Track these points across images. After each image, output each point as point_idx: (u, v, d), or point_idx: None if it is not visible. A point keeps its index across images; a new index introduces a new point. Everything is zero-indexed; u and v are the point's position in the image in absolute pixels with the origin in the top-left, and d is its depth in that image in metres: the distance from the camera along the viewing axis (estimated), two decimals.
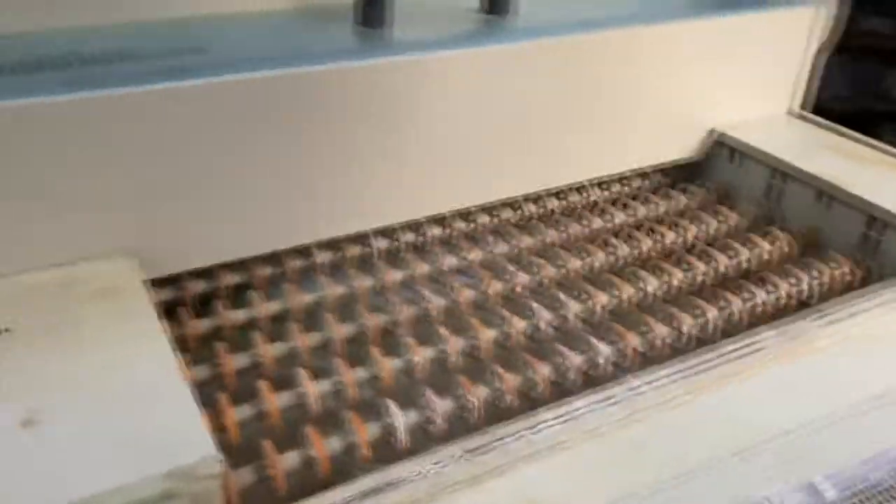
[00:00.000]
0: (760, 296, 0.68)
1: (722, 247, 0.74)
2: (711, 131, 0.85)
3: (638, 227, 0.79)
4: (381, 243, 0.73)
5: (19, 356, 0.47)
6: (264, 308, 0.63)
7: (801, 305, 0.70)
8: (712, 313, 0.66)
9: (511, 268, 0.70)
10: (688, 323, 0.64)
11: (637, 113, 0.79)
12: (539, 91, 0.71)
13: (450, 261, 0.71)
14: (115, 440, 0.42)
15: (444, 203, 0.72)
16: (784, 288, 0.69)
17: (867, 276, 0.72)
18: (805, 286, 0.70)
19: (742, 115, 0.86)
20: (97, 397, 0.45)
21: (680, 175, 0.89)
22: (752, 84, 0.85)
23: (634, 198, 0.84)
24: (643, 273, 0.70)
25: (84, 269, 0.56)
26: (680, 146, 0.84)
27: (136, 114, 0.55)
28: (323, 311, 0.64)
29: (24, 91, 0.52)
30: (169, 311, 0.62)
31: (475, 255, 0.73)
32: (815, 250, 0.76)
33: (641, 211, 0.81)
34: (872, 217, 0.71)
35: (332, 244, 0.71)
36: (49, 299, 0.53)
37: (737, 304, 0.67)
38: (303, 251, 0.69)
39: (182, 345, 0.60)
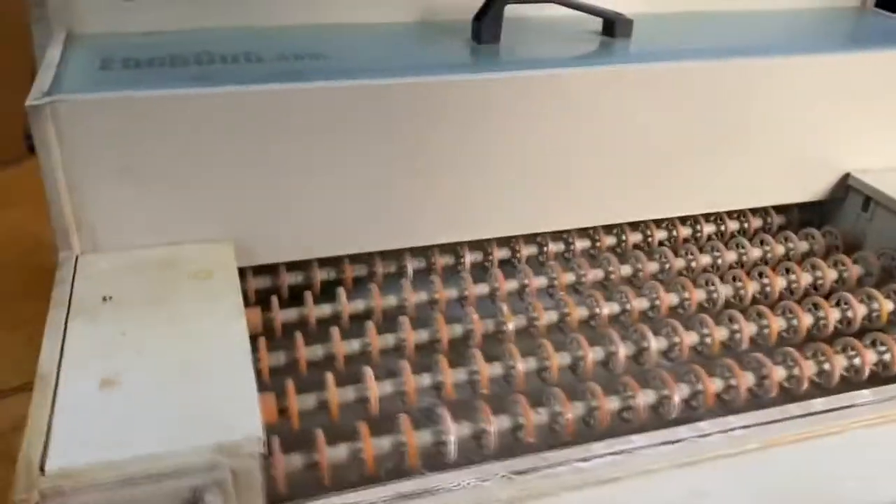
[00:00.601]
0: (869, 356, 0.63)
1: (835, 299, 0.69)
2: (845, 175, 0.79)
3: (743, 266, 0.75)
4: (472, 256, 0.74)
5: (114, 322, 0.52)
6: (349, 306, 0.65)
7: None
8: (808, 368, 0.61)
9: (598, 295, 0.68)
10: (779, 375, 0.61)
11: (763, 147, 0.75)
12: (653, 117, 0.69)
13: (539, 281, 0.71)
14: (179, 409, 0.46)
15: (536, 223, 0.72)
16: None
17: None
18: None
19: (881, 161, 0.79)
20: (172, 367, 0.49)
21: (806, 218, 0.84)
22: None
23: (749, 236, 0.80)
24: (738, 316, 0.66)
25: (186, 251, 0.60)
26: (808, 187, 0.79)
27: (250, 111, 0.59)
28: (404, 314, 0.66)
29: (158, 83, 0.58)
30: (263, 299, 0.66)
31: (566, 278, 0.72)
32: None
33: (755, 252, 0.77)
34: None
35: (424, 251, 0.73)
36: (151, 275, 0.58)
37: (839, 362, 0.62)
38: (395, 255, 0.72)
39: (268, 331, 0.64)
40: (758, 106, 0.72)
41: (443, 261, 0.73)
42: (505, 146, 0.66)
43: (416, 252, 0.73)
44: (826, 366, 0.62)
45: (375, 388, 0.55)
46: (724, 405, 0.60)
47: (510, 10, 0.74)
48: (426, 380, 0.58)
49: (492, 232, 0.71)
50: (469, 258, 0.73)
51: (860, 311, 0.68)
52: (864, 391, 0.58)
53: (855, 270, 0.73)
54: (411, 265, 0.72)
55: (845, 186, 0.79)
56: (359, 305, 0.66)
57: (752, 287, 0.71)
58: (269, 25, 0.69)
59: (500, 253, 0.75)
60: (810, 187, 0.79)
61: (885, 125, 0.78)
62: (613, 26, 0.73)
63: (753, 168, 0.75)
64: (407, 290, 0.67)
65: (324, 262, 0.70)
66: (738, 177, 0.75)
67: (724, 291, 0.70)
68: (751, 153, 0.74)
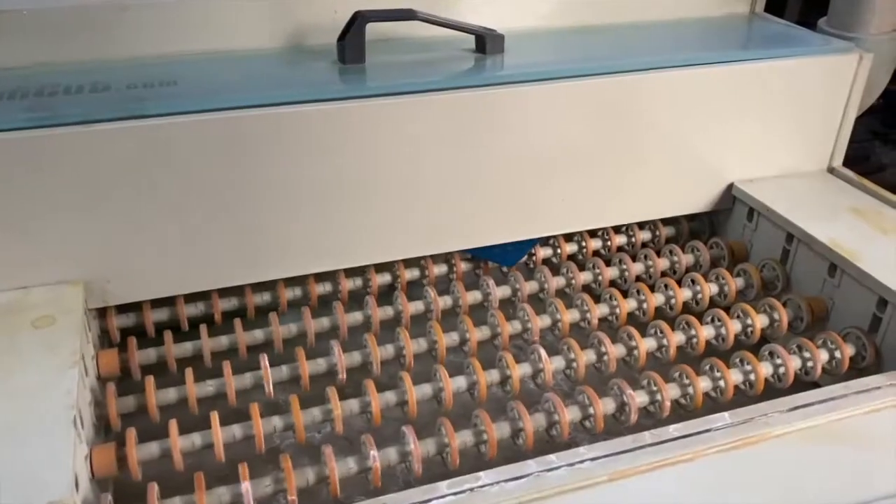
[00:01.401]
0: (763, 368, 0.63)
1: (710, 316, 0.68)
2: (730, 186, 0.79)
3: (626, 282, 0.75)
4: (343, 284, 0.72)
5: None
6: (211, 343, 0.64)
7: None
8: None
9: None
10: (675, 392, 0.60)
11: (649, 160, 0.74)
12: (527, 137, 0.68)
13: (416, 306, 0.70)
14: None
15: (420, 246, 0.71)
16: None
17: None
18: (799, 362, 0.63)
19: (767, 170, 0.79)
20: None
21: (698, 228, 0.83)
22: (785, 136, 0.78)
23: (636, 251, 0.80)
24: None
25: (33, 296, 0.59)
26: (695, 199, 0.79)
27: (84, 151, 0.57)
28: (267, 349, 0.64)
29: None
30: (128, 336, 0.65)
31: (444, 302, 0.71)
32: (822, 324, 0.69)
33: (636, 267, 0.76)
34: (882, 300, 0.64)
35: (298, 280, 0.71)
36: None
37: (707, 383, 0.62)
38: (270, 286, 0.71)
39: (125, 372, 0.63)
40: (640, 120, 0.71)
41: (319, 289, 0.71)
42: (369, 172, 0.65)
43: (296, 281, 0.71)
44: (721, 381, 0.61)
45: (220, 434, 0.54)
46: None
47: (385, 30, 0.73)
48: (278, 422, 0.57)
49: (369, 258, 0.70)
50: (347, 285, 0.72)
51: (733, 327, 0.67)
52: (724, 414, 0.57)
53: (734, 284, 0.73)
54: (285, 295, 0.71)
55: (732, 197, 0.79)
56: (222, 342, 0.64)
57: (628, 306, 0.70)
58: (129, 56, 0.67)
59: (381, 278, 0.74)
60: (698, 199, 0.79)
61: (769, 134, 0.77)
62: (485, 43, 0.71)
63: (639, 182, 0.75)
64: (275, 324, 0.66)
65: (194, 297, 0.69)
66: (624, 192, 0.75)
67: (598, 311, 0.70)
68: (636, 167, 0.74)
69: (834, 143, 0.80)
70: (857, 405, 0.58)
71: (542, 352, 0.63)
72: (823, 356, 0.64)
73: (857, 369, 0.65)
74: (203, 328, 0.64)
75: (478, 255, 0.76)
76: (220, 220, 0.62)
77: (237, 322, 0.65)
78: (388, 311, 0.69)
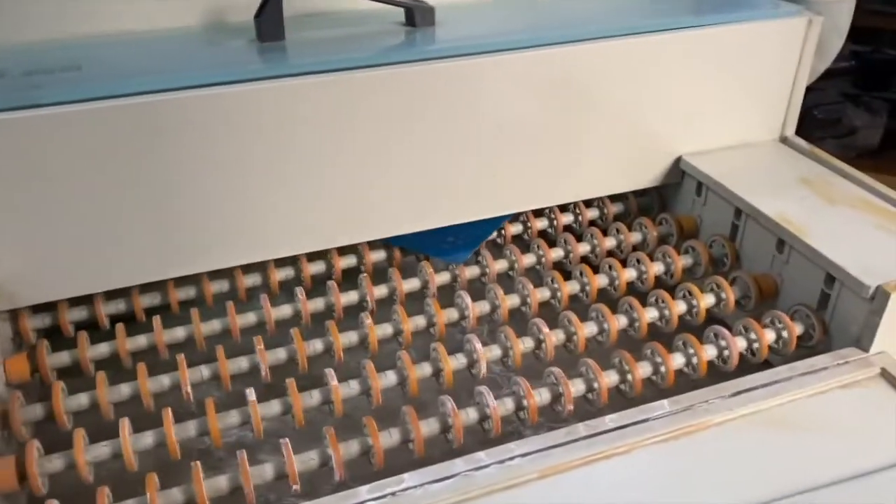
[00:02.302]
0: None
1: (654, 297, 0.66)
2: (678, 159, 0.76)
3: (571, 262, 0.72)
4: (273, 276, 0.69)
5: None
6: (129, 343, 0.61)
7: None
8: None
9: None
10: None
11: (592, 137, 0.71)
12: (467, 114, 0.65)
13: (350, 297, 0.67)
14: None
15: (353, 233, 0.68)
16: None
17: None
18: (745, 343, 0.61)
19: (715, 142, 0.76)
20: None
21: (647, 203, 0.80)
22: (735, 106, 0.75)
23: (583, 229, 0.77)
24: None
25: None
26: (643, 174, 0.76)
27: None
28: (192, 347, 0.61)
29: None
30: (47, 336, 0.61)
31: (378, 291, 0.68)
32: (772, 302, 0.67)
33: (582, 248, 0.74)
34: (830, 276, 0.61)
35: (225, 273, 0.68)
36: None
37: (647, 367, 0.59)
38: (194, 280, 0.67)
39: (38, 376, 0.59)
40: (582, 93, 0.68)
41: (247, 282, 0.68)
42: (292, 157, 0.61)
43: (223, 274, 0.68)
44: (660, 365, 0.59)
45: (129, 443, 0.51)
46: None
47: (306, 5, 0.69)
48: (191, 429, 0.54)
49: (299, 248, 0.67)
50: (277, 276, 0.69)
51: (676, 308, 0.65)
52: (663, 402, 0.55)
53: (680, 262, 0.70)
54: (194, 291, 0.67)
55: (680, 171, 0.76)
56: (140, 342, 0.61)
57: (568, 288, 0.68)
58: (28, 41, 0.63)
59: (313, 267, 0.70)
60: (645, 174, 0.76)
61: (718, 104, 0.74)
62: (414, 15, 0.67)
63: (584, 159, 0.72)
64: (196, 322, 0.62)
65: (116, 294, 0.65)
66: (568, 170, 0.72)
67: (539, 295, 0.67)
68: (580, 143, 0.70)
69: (786, 111, 0.77)
70: (802, 388, 0.56)
71: (475, 342, 0.60)
72: (770, 336, 0.61)
73: (806, 348, 0.63)
74: (120, 328, 0.61)
75: (419, 250, 0.72)
76: (133, 213, 0.59)
77: (156, 320, 0.62)
78: (318, 304, 0.66)
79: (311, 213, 0.64)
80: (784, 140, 0.78)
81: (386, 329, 0.63)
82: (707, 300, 0.65)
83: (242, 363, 0.59)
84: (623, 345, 0.62)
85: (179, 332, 0.62)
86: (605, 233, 0.75)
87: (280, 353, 0.60)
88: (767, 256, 0.67)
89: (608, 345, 0.63)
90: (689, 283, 0.67)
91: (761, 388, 0.56)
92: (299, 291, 0.65)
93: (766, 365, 0.61)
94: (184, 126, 0.57)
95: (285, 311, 0.65)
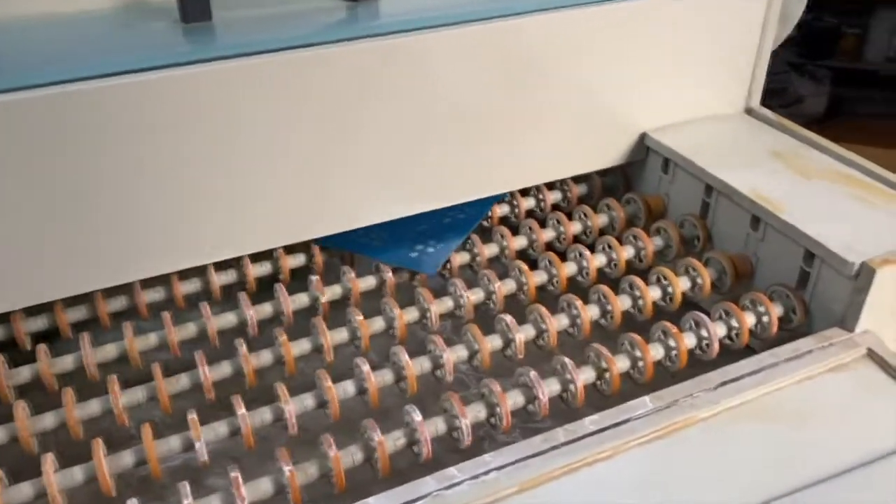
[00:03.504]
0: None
1: (626, 283, 0.62)
2: (642, 135, 0.72)
3: (535, 250, 0.68)
4: (213, 280, 0.63)
5: None
6: (54, 363, 0.54)
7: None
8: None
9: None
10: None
11: (552, 115, 0.66)
12: (420, 95, 0.60)
13: (300, 299, 0.62)
14: None
15: (303, 230, 0.62)
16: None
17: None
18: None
19: (679, 115, 0.72)
20: None
21: (612, 183, 0.76)
22: (698, 77, 0.71)
23: (546, 213, 0.72)
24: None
25: None
26: (607, 153, 0.71)
27: None
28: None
29: None
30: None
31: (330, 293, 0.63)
32: (748, 283, 0.63)
33: (547, 234, 0.69)
34: (810, 253, 0.58)
35: (161, 280, 0.62)
36: None
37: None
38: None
39: None
40: (536, 69, 0.63)
41: (184, 289, 0.62)
42: (224, 148, 0.55)
43: (159, 281, 0.62)
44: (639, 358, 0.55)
45: (54, 481, 0.45)
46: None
47: None
48: (127, 459, 0.48)
49: (239, 249, 0.61)
50: (218, 280, 0.63)
51: (650, 295, 0.61)
52: (644, 398, 0.51)
53: (651, 245, 0.66)
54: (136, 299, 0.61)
55: (645, 147, 0.72)
56: (66, 363, 0.55)
57: (536, 279, 0.63)
58: None
59: (257, 269, 0.65)
60: (609, 153, 0.71)
61: (681, 76, 0.70)
62: None
63: (542, 140, 0.67)
64: (128, 335, 0.56)
65: (36, 310, 0.59)
66: (526, 152, 0.67)
67: (504, 289, 0.62)
68: (538, 123, 0.66)
69: (750, 80, 0.73)
70: (788, 374, 0.53)
71: (439, 343, 0.55)
72: (750, 320, 0.58)
73: (787, 331, 0.59)
74: (41, 349, 0.55)
75: (384, 260, 0.65)
76: (48, 219, 0.52)
77: (83, 337, 0.55)
78: (266, 309, 0.60)
79: (252, 210, 0.58)
80: (750, 111, 0.75)
81: (342, 334, 0.58)
82: (682, 284, 0.62)
83: (183, 381, 0.53)
84: (596, 337, 0.58)
85: (110, 350, 0.56)
86: (569, 217, 0.71)
87: (225, 368, 0.54)
88: (741, 235, 0.64)
89: (580, 337, 0.59)
90: (662, 266, 0.63)
91: (746, 377, 0.52)
92: (243, 297, 0.60)
93: (747, 351, 0.57)
94: (103, 119, 0.51)
95: (229, 319, 0.59)
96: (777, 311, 0.58)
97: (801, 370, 0.53)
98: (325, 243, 0.64)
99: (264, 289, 0.63)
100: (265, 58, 0.54)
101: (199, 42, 0.56)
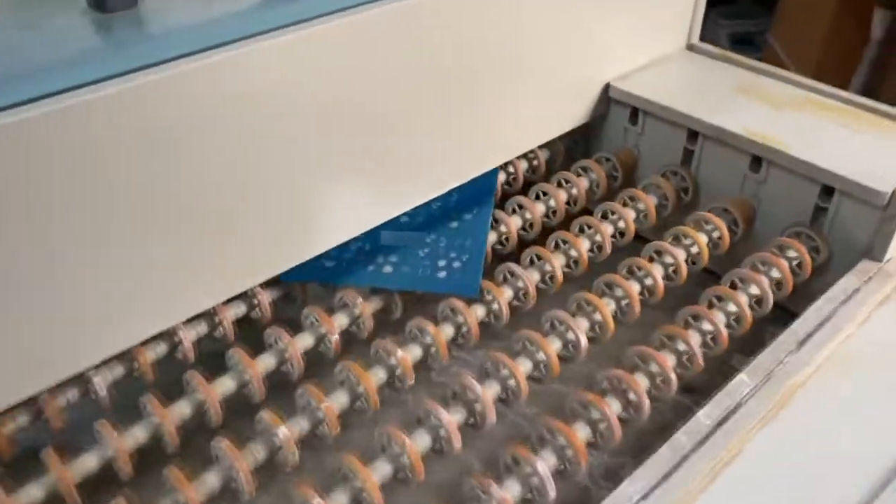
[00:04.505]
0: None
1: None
2: (605, 87, 0.66)
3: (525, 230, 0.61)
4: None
5: None
6: None
7: None
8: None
9: None
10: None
11: (510, 84, 0.58)
12: (369, 77, 0.49)
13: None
14: None
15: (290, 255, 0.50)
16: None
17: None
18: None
19: (637, 61, 0.68)
20: None
21: (570, 146, 0.71)
22: (645, 16, 0.67)
23: (520, 188, 0.65)
24: None
25: None
26: (570, 112, 0.65)
27: None
28: None
29: None
30: None
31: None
32: (750, 228, 0.61)
33: (536, 211, 0.62)
34: (828, 187, 0.56)
35: None
36: None
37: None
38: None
39: None
40: (480, 36, 0.54)
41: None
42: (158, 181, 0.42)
43: None
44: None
45: None
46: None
47: None
48: None
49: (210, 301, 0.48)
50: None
51: (683, 263, 0.56)
52: (740, 377, 0.46)
53: (651, 203, 0.61)
54: None
55: (606, 100, 0.67)
56: None
57: (558, 261, 0.56)
58: None
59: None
60: (575, 110, 0.65)
61: (628, 17, 0.65)
62: None
63: (510, 110, 0.59)
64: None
65: None
66: (499, 125, 0.59)
67: (534, 279, 0.55)
68: (500, 94, 0.57)
69: (692, 13, 0.70)
70: (852, 318, 0.51)
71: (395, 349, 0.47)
72: (785, 267, 0.55)
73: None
74: None
75: (406, 287, 0.52)
76: None
77: None
78: (269, 362, 0.48)
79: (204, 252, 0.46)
80: (691, 48, 0.72)
81: (378, 374, 0.48)
82: (703, 240, 0.58)
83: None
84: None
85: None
86: (557, 186, 0.64)
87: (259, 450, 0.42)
88: (735, 180, 0.61)
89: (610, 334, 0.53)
90: (682, 227, 0.58)
91: (818, 330, 0.50)
92: (239, 354, 0.47)
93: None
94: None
95: (227, 385, 0.46)
96: (808, 256, 0.56)
97: (860, 310, 0.51)
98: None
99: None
100: (236, 51, 0.41)
101: (129, 42, 0.42)
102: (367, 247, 0.52)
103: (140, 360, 0.48)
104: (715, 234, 0.59)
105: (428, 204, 0.54)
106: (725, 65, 0.70)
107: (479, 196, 0.58)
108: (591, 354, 0.51)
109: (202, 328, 0.51)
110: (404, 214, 0.54)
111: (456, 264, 0.51)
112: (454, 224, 0.55)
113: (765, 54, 1.81)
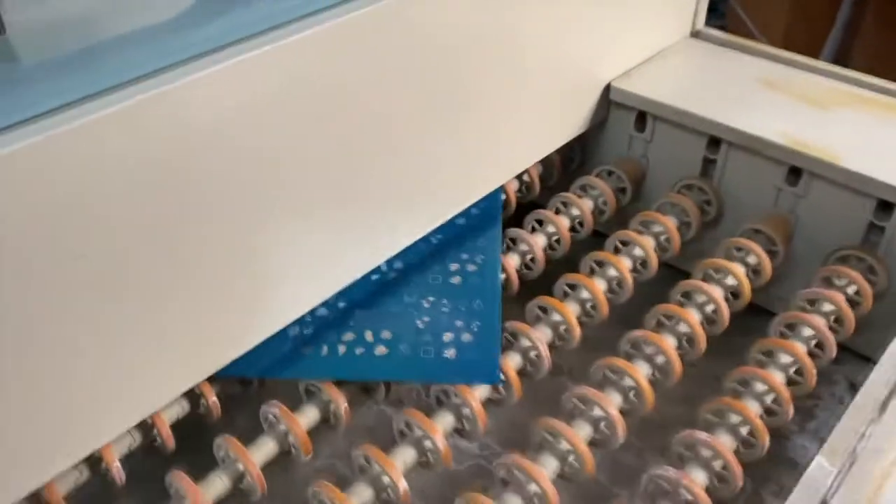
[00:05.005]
0: None
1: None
2: (605, 89, 0.56)
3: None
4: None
5: None
6: None
7: None
8: None
9: None
10: None
11: (503, 95, 0.47)
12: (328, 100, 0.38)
13: None
14: None
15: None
16: None
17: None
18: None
19: (640, 54, 0.58)
20: None
21: (565, 160, 0.60)
22: (644, 4, 0.57)
23: (510, 214, 0.55)
24: None
25: None
26: (568, 123, 0.55)
27: None
28: None
29: None
30: None
31: None
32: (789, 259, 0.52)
33: (538, 242, 0.52)
34: (885, 202, 0.47)
35: None
36: None
37: None
38: None
39: None
40: (465, 46, 0.43)
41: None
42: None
43: None
44: None
45: None
46: None
47: None
48: None
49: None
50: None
51: (722, 302, 0.47)
52: (818, 460, 0.37)
53: (675, 232, 0.52)
54: None
55: (606, 104, 0.57)
56: None
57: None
58: None
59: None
60: (574, 119, 0.55)
61: (628, 9, 0.55)
62: None
63: (497, 124, 0.48)
64: None
65: None
66: (497, 143, 0.48)
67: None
68: (494, 108, 0.47)
69: None
70: None
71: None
72: (840, 300, 0.46)
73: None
74: None
75: (403, 378, 0.41)
76: None
77: None
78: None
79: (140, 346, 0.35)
80: (697, 34, 0.62)
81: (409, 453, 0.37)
82: (739, 271, 0.48)
83: None
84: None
85: None
86: (537, 208, 0.54)
87: None
88: (767, 194, 0.52)
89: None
90: (713, 260, 0.48)
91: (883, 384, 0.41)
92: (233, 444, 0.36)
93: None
94: None
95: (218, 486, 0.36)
96: (864, 281, 0.47)
97: None
98: (261, 372, 0.40)
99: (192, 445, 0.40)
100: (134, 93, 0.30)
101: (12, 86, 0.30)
102: (337, 316, 0.41)
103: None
104: (752, 261, 0.49)
105: (419, 251, 0.43)
106: (740, 53, 0.60)
107: (480, 231, 0.47)
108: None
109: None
110: (390, 269, 0.43)
111: (465, 336, 0.40)
112: (455, 277, 0.44)
113: (728, 21, 1.73)
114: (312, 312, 0.38)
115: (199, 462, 0.38)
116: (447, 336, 0.39)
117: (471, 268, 0.44)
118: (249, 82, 0.33)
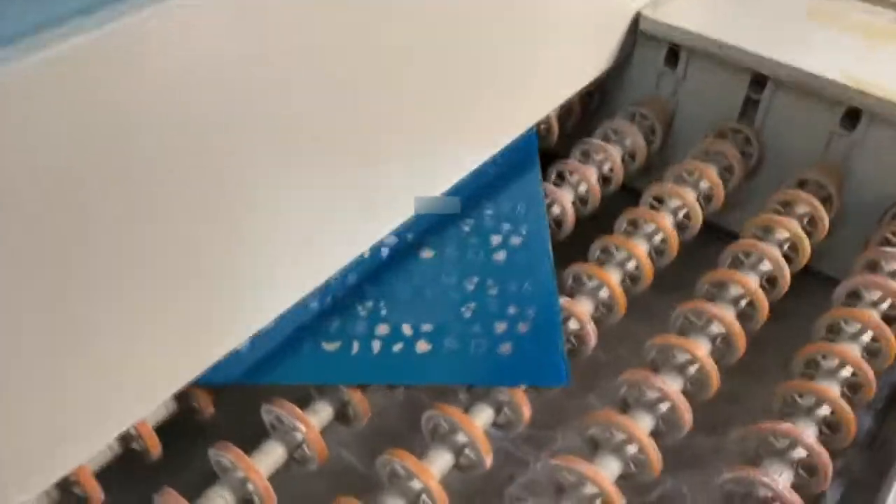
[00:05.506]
0: None
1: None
2: (634, 20, 0.49)
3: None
4: None
5: None
6: None
7: None
8: None
9: None
10: None
11: (529, 29, 0.40)
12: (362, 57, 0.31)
13: None
14: None
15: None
16: None
17: None
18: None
19: None
20: None
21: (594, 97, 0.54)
22: None
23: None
24: None
25: None
26: (600, 54, 0.48)
27: None
28: None
29: None
30: None
31: None
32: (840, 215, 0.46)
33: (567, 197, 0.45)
34: None
35: None
36: None
37: None
38: None
39: None
40: None
41: None
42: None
43: None
44: None
45: None
46: None
47: None
48: None
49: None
50: None
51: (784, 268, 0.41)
52: None
53: (718, 184, 0.46)
54: None
55: (633, 37, 0.50)
56: None
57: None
58: None
59: None
60: (603, 52, 0.48)
61: None
62: None
63: (522, 63, 0.41)
64: None
65: None
66: (502, 91, 0.41)
67: None
68: (504, 41, 0.39)
69: None
70: None
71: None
72: None
73: None
74: None
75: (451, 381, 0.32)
76: None
77: None
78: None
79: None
80: None
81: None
82: (801, 235, 0.43)
83: None
84: None
85: None
86: (560, 156, 0.47)
87: None
88: (818, 140, 0.46)
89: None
90: (768, 216, 0.43)
91: None
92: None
93: None
94: None
95: None
96: None
97: None
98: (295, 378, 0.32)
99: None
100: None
101: None
102: (365, 304, 0.33)
103: None
104: (805, 219, 0.44)
105: (452, 219, 0.36)
106: None
107: (518, 193, 0.40)
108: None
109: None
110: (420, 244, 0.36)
111: (521, 327, 0.32)
112: (499, 252, 0.36)
113: None
114: (335, 300, 0.31)
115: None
116: (500, 327, 0.33)
117: (514, 240, 0.37)
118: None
